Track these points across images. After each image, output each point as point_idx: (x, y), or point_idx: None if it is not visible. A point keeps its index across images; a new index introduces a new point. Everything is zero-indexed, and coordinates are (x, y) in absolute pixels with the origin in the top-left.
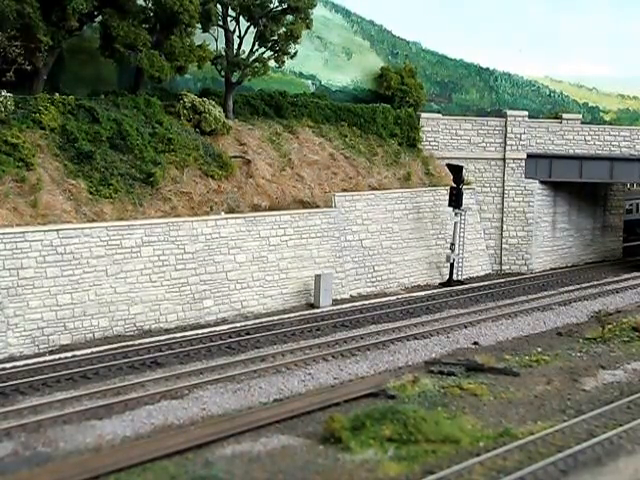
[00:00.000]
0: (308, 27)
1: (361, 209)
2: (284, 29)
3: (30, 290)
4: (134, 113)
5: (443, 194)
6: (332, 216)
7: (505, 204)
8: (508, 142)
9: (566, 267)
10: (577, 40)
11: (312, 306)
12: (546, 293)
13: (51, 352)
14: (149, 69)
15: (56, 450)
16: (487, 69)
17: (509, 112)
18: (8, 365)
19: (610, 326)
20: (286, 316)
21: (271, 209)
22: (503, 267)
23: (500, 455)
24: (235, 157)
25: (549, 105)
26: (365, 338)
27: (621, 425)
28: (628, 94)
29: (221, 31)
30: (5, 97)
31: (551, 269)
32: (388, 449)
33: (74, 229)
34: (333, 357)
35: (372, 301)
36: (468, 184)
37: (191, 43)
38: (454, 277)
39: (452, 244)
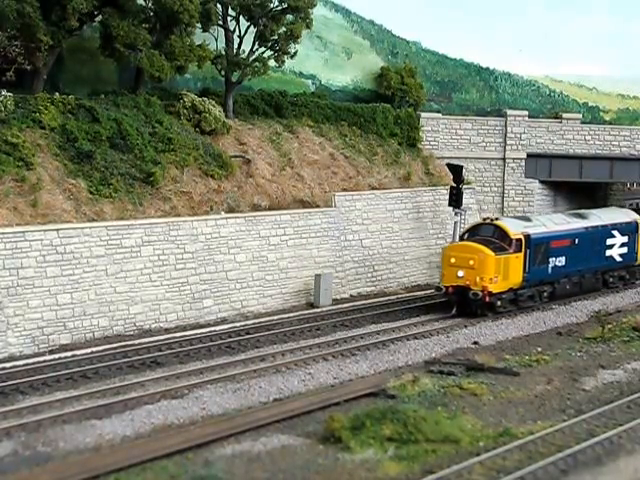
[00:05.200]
0: (308, 27)
1: (361, 209)
2: (284, 29)
3: (30, 290)
4: (134, 113)
5: (443, 194)
6: (332, 216)
7: (505, 204)
8: (508, 142)
9: None
10: (577, 40)
11: (312, 306)
12: None
13: (51, 352)
14: (149, 69)
15: (56, 450)
16: (487, 69)
17: (509, 112)
18: (8, 365)
19: (610, 326)
20: (286, 316)
21: (271, 209)
22: None
23: (500, 455)
24: (235, 157)
25: (549, 105)
26: (365, 338)
27: (621, 425)
28: (628, 94)
29: (221, 31)
30: (5, 97)
31: None
32: (388, 449)
33: (74, 229)
34: (333, 357)
35: (372, 301)
36: (468, 184)
37: (191, 43)
38: None
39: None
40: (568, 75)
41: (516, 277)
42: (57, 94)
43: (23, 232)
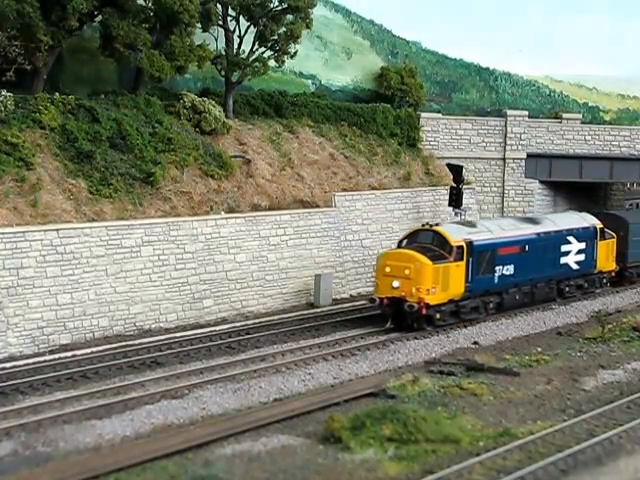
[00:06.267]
0: (308, 27)
1: (361, 209)
2: (284, 29)
3: (30, 290)
4: (134, 113)
5: (443, 194)
6: (332, 216)
7: (505, 204)
8: (508, 142)
9: None
10: (577, 40)
11: (312, 306)
12: None
13: (51, 352)
14: (149, 69)
15: (56, 450)
16: (487, 69)
17: (509, 112)
18: (8, 365)
19: (610, 326)
20: (286, 315)
21: (271, 209)
22: None
23: (500, 455)
24: (235, 157)
25: (549, 105)
26: (365, 338)
27: (621, 425)
28: (628, 94)
29: (221, 31)
30: (5, 97)
31: None
32: (388, 449)
33: (74, 229)
34: (333, 357)
35: None
36: (468, 184)
37: (191, 43)
38: None
39: None
40: (568, 75)
41: (457, 287)
42: (57, 94)
43: (23, 232)
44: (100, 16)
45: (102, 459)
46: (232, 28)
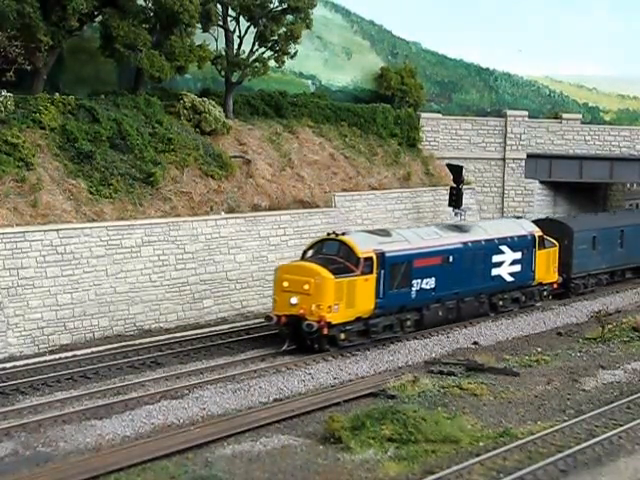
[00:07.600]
0: (308, 27)
1: (361, 209)
2: (284, 29)
3: (30, 290)
4: (134, 113)
5: (443, 194)
6: (332, 216)
7: (505, 204)
8: (508, 142)
9: None
10: (577, 40)
11: None
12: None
13: (51, 352)
14: (149, 69)
15: (56, 450)
16: (487, 69)
17: (509, 112)
18: (8, 365)
19: (610, 326)
20: None
21: (271, 209)
22: None
23: (500, 455)
24: (235, 157)
25: (549, 105)
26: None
27: (621, 425)
28: (628, 94)
29: (221, 31)
30: (5, 97)
31: None
32: (388, 449)
33: (74, 229)
34: (333, 357)
35: None
36: (468, 184)
37: (191, 43)
38: None
39: None
40: (568, 75)
41: (366, 304)
42: (57, 94)
43: (23, 232)
44: (100, 16)
45: (102, 459)
46: (232, 28)
